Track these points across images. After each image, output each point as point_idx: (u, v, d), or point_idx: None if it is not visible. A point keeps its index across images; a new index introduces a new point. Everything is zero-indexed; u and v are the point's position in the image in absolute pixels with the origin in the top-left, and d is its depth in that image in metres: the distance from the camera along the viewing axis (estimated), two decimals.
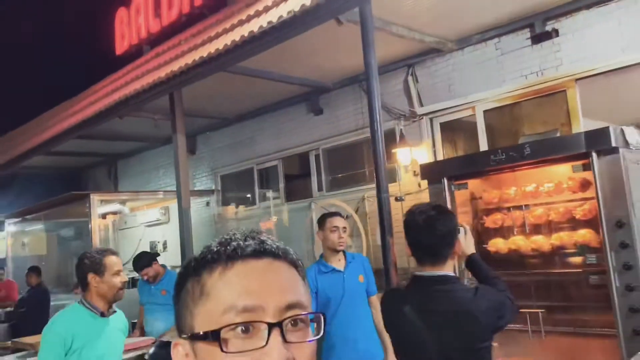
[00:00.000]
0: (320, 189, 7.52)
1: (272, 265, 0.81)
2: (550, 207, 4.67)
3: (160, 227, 9.68)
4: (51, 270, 10.77)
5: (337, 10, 3.78)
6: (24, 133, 9.66)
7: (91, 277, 2.77)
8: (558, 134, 4.80)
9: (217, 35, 4.69)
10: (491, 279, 2.24)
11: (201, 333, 0.76)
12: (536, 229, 4.80)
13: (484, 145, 5.64)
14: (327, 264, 3.85)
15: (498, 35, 5.55)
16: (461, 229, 2.42)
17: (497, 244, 4.92)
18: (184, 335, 0.81)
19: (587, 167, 4.15)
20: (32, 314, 7.68)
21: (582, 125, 4.99)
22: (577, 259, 4.51)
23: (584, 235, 4.40)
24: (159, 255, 5.69)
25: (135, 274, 5.70)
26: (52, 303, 8.48)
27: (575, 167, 4.28)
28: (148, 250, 8.62)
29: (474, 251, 2.39)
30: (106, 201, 8.82)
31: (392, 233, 3.99)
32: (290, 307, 0.78)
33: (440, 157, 6.06)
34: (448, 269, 2.04)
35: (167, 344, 2.89)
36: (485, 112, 5.68)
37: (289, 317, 0.77)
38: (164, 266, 5.29)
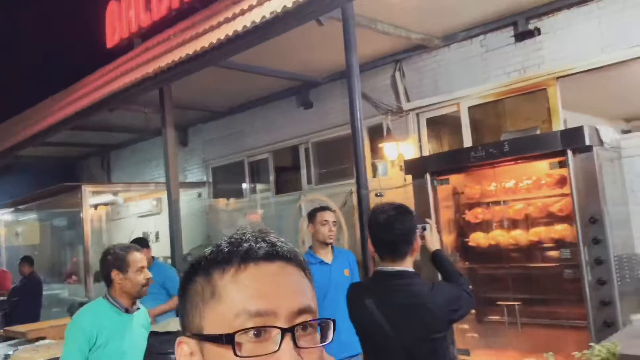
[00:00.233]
0: (309, 182, 7.62)
1: (284, 269, 0.82)
2: (529, 203, 4.79)
3: (152, 218, 9.78)
4: (44, 260, 10.89)
5: (318, 11, 3.87)
6: (17, 124, 9.73)
7: (115, 274, 2.76)
8: (538, 131, 4.90)
9: (205, 32, 4.77)
10: (453, 274, 2.37)
11: (214, 335, 0.76)
12: (515, 223, 4.93)
13: (468, 141, 5.75)
14: (315, 255, 3.99)
15: (483, 32, 5.63)
16: (427, 226, 2.55)
17: (477, 238, 5.05)
18: (190, 334, 0.81)
19: (563, 164, 4.27)
20: (24, 303, 7.80)
21: (562, 122, 5.09)
22: (553, 254, 4.65)
23: (560, 230, 4.53)
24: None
25: None
26: (45, 292, 8.61)
27: (552, 165, 4.41)
28: None
29: (438, 247, 2.51)
30: (98, 192, 8.91)
31: None
32: (301, 311, 0.79)
33: (426, 152, 6.16)
34: (407, 264, 2.17)
35: (156, 334, 2.96)
36: (469, 108, 5.78)
37: (300, 323, 0.78)
38: (153, 257, 5.40)
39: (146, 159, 10.28)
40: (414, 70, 6.27)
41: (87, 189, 7.90)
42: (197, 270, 0.84)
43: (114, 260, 2.78)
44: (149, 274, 2.85)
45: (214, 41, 4.32)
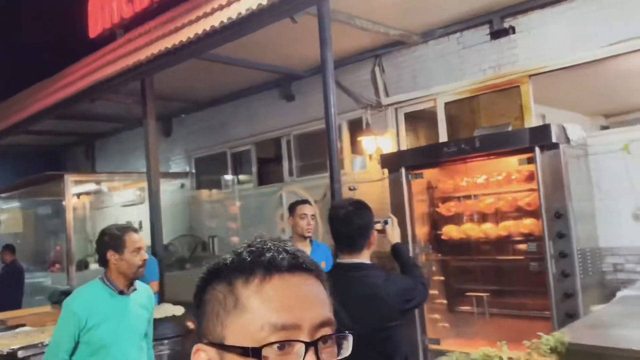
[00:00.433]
0: (291, 174, 7.72)
1: (306, 281, 0.83)
2: (499, 197, 4.94)
3: (136, 207, 9.84)
4: (28, 248, 10.90)
5: (292, 9, 3.95)
6: None
7: (110, 255, 2.71)
8: (510, 128, 5.04)
9: (184, 26, 4.83)
10: (410, 266, 2.51)
11: (239, 347, 0.77)
12: (486, 217, 5.08)
13: (443, 137, 5.87)
14: None
15: (460, 30, 5.74)
16: (389, 220, 2.68)
17: (450, 231, 5.19)
18: (209, 342, 0.81)
19: (531, 160, 4.41)
20: (5, 291, 7.85)
21: (533, 119, 5.23)
22: (521, 247, 4.80)
23: (529, 224, 4.68)
24: None
25: None
26: (28, 281, 8.66)
27: (521, 161, 4.54)
28: None
29: (398, 241, 2.65)
30: (81, 182, 8.94)
31: None
32: (322, 324, 0.80)
33: (404, 147, 6.28)
34: (364, 257, 2.30)
35: None
36: (446, 104, 5.90)
37: (322, 337, 0.79)
38: None
39: (130, 149, 10.31)
40: (393, 65, 6.37)
41: (69, 178, 7.94)
42: (217, 277, 0.84)
43: (110, 241, 2.73)
44: (146, 255, 2.79)
45: (192, 36, 4.39)
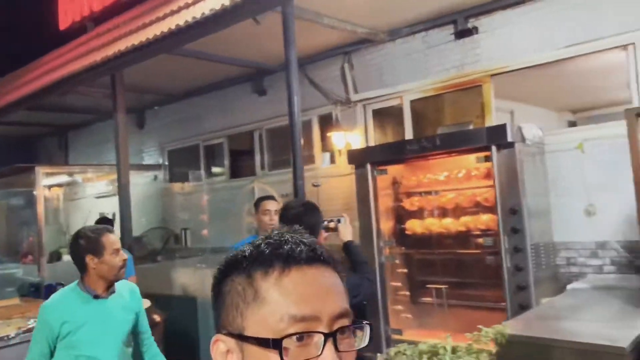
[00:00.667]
0: (263, 167, 7.82)
1: (324, 273, 0.84)
2: (460, 193, 5.12)
3: (109, 199, 9.83)
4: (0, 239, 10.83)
5: (255, 10, 4.03)
6: None
7: (89, 259, 2.59)
8: (471, 127, 5.21)
9: (151, 23, 4.87)
10: (359, 263, 2.65)
11: (260, 338, 0.78)
12: (447, 212, 5.26)
13: (409, 134, 6.03)
14: None
15: (425, 29, 5.87)
16: (342, 219, 2.81)
17: (413, 226, 5.37)
18: (228, 332, 0.83)
19: (488, 158, 4.59)
20: None
21: (494, 118, 5.40)
22: (479, 241, 5.00)
23: (486, 220, 4.87)
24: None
25: None
26: None
27: (479, 159, 4.72)
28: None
29: (350, 239, 2.79)
30: (52, 174, 8.91)
31: None
32: (340, 315, 0.82)
33: (372, 143, 6.42)
34: None
35: None
36: (411, 101, 6.05)
37: (340, 327, 0.81)
38: None
39: (103, 140, 10.28)
40: (362, 63, 6.49)
41: (40, 170, 7.92)
42: (236, 269, 0.85)
43: (87, 244, 2.60)
44: (125, 255, 2.69)
45: (159, 33, 4.45)
